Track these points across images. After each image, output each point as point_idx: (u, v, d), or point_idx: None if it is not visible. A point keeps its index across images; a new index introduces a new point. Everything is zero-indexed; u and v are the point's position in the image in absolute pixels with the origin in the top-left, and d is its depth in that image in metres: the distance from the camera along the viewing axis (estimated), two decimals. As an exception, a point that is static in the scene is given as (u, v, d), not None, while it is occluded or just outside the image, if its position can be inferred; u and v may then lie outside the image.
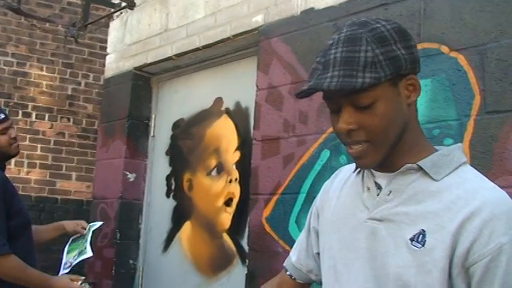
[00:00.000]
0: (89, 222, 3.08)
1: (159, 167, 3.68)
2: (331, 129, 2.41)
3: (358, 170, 1.33)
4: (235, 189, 3.07)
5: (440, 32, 2.10)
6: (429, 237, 1.13)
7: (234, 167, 3.10)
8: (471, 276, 1.09)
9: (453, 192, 1.15)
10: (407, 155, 1.22)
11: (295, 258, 1.53)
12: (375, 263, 1.20)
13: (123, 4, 3.65)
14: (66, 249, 3.04)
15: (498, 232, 1.08)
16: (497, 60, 1.92)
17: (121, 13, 3.67)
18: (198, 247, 3.30)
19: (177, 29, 3.40)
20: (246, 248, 2.86)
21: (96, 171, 4.00)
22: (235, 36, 2.99)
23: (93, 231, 2.96)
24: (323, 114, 2.46)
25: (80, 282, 2.67)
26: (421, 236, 1.14)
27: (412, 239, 1.15)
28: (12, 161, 6.24)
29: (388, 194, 1.22)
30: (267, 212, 2.64)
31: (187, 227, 3.38)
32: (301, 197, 2.49)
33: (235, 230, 3.04)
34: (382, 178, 1.25)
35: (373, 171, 1.27)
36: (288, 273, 1.54)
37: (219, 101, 3.29)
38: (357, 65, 1.13)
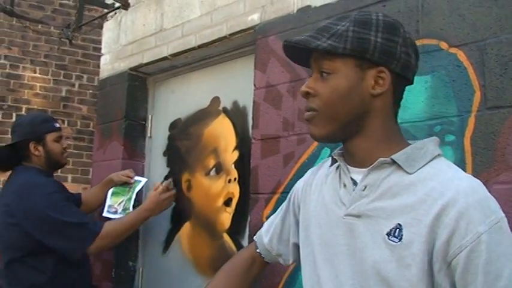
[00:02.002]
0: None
1: (156, 167, 3.67)
2: (331, 127, 2.41)
3: (337, 165, 1.35)
4: (235, 189, 3.06)
5: (439, 28, 2.09)
6: (406, 231, 1.13)
7: (233, 166, 3.09)
8: (454, 270, 1.09)
9: (427, 184, 1.15)
10: (378, 149, 1.24)
11: (267, 240, 1.60)
12: (354, 259, 1.20)
13: (118, 4, 3.62)
14: (110, 191, 3.29)
15: (475, 222, 1.08)
16: (497, 56, 1.91)
17: (115, 13, 3.65)
18: (198, 248, 3.28)
19: (173, 29, 3.38)
20: (247, 247, 2.85)
21: (94, 173, 3.98)
22: (231, 35, 2.98)
23: (137, 193, 3.22)
24: (322, 112, 2.44)
25: (161, 186, 3.00)
26: (397, 230, 1.14)
27: (388, 234, 1.15)
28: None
29: (363, 190, 1.22)
30: (267, 211, 2.63)
31: (186, 228, 3.37)
32: (302, 196, 2.48)
33: (235, 230, 3.03)
34: (357, 174, 1.26)
35: (349, 167, 1.28)
36: (257, 250, 1.63)
37: (216, 100, 3.28)
38: (327, 32, 1.22)
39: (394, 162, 1.20)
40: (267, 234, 1.60)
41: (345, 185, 1.28)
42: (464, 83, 1.98)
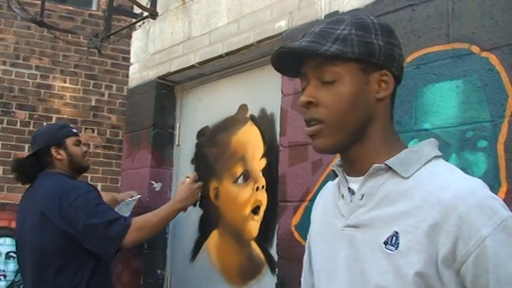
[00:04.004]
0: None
1: (184, 175, 3.66)
2: (359, 134, 2.38)
3: (337, 179, 1.30)
4: (263, 197, 3.04)
5: (470, 31, 2.05)
6: (403, 239, 1.08)
7: (261, 174, 3.07)
8: (464, 277, 1.03)
9: (423, 189, 1.10)
10: (378, 154, 1.19)
11: (302, 279, 1.52)
12: (352, 272, 1.15)
13: (146, 14, 3.64)
14: (117, 208, 3.38)
15: (477, 225, 1.02)
16: (531, 59, 1.87)
17: (143, 23, 3.68)
18: (226, 256, 3.27)
19: (200, 37, 3.39)
20: (275, 256, 2.83)
21: (122, 181, 4.00)
22: (259, 42, 2.97)
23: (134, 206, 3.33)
24: (351, 119, 2.42)
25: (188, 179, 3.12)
26: (394, 238, 1.09)
27: (386, 243, 1.10)
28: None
29: (361, 199, 1.18)
30: (296, 220, 2.60)
31: (214, 236, 3.36)
32: (331, 204, 2.45)
33: (263, 238, 3.01)
34: (354, 183, 1.21)
35: (347, 177, 1.24)
36: None
37: (243, 107, 3.27)
38: (329, 36, 1.15)
39: (389, 167, 1.16)
40: (303, 274, 1.53)
41: (343, 196, 1.23)
42: (497, 88, 1.93)
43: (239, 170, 3.22)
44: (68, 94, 6.38)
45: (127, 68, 6.58)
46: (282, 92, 2.77)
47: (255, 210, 3.07)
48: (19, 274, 5.71)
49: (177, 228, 3.63)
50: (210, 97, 3.58)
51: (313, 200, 2.50)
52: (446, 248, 1.03)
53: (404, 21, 2.27)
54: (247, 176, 3.17)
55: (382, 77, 1.18)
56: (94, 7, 6.68)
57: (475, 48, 2.03)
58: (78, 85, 6.43)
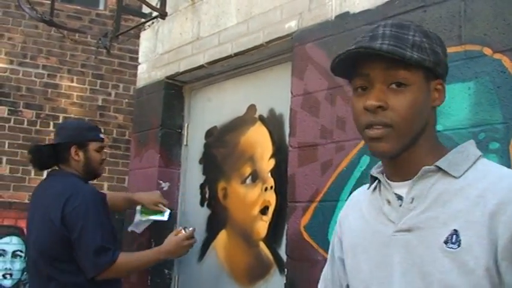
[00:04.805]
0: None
1: (192, 175, 3.67)
2: (370, 135, 2.38)
3: (374, 187, 1.31)
4: (271, 197, 3.04)
5: (482, 33, 2.05)
6: (464, 236, 1.10)
7: (269, 174, 3.07)
8: None
9: (478, 186, 1.13)
10: (426, 159, 1.21)
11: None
12: (411, 276, 1.16)
13: (155, 14, 3.65)
14: (139, 208, 3.35)
15: None
16: (544, 61, 1.86)
17: (152, 23, 3.68)
18: (234, 256, 3.27)
19: (209, 37, 3.39)
20: (284, 256, 2.83)
21: (130, 181, 4.01)
22: (268, 42, 2.97)
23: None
24: (361, 120, 2.42)
25: (182, 231, 3.00)
26: (454, 236, 1.11)
27: (446, 242, 1.11)
28: (45, 171, 6.30)
29: (411, 202, 1.19)
30: (305, 220, 2.60)
31: (222, 236, 3.36)
32: (341, 205, 2.44)
33: (272, 238, 3.01)
34: (401, 188, 1.22)
35: (390, 182, 1.25)
36: None
37: (252, 108, 3.27)
38: (406, 41, 1.16)
39: (438, 169, 1.18)
40: (321, 286, 1.52)
41: (389, 202, 1.24)
42: (509, 89, 1.93)
43: (247, 170, 3.22)
44: (74, 93, 6.39)
45: (134, 67, 6.61)
46: (292, 93, 2.77)
47: (264, 211, 3.07)
48: (25, 273, 5.74)
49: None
50: (218, 97, 3.59)
51: (323, 201, 2.52)
52: (505, 238, 1.06)
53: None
54: (255, 176, 3.17)
55: (437, 86, 1.22)
56: (101, 7, 6.69)
57: (487, 50, 2.02)
58: (85, 84, 6.43)
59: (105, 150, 3.05)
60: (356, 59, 1.19)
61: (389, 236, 1.21)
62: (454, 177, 1.16)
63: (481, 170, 1.17)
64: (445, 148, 1.25)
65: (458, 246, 1.10)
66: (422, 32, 1.19)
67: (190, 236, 3.00)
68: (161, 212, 3.28)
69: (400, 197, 1.22)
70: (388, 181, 1.25)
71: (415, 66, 1.15)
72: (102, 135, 3.03)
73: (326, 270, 1.51)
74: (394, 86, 1.17)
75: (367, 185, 1.37)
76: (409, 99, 1.16)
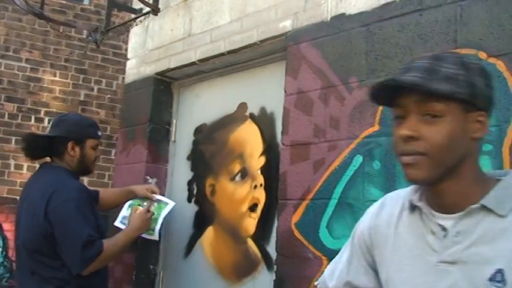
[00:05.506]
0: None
1: (180, 172, 3.68)
2: (364, 134, 2.42)
3: (413, 208, 1.33)
4: (260, 195, 3.06)
5: (477, 38, 2.10)
6: (509, 275, 1.13)
7: (259, 172, 3.10)
8: None
9: None
10: (469, 191, 1.23)
11: (333, 284, 1.52)
12: None
13: (146, 9, 3.65)
14: (128, 202, 3.30)
15: None
16: (538, 66, 1.92)
17: (145, 18, 3.68)
18: (221, 253, 3.29)
19: (201, 34, 3.40)
20: (272, 253, 2.85)
21: (116, 176, 4.00)
22: (262, 41, 3.00)
23: (164, 217, 3.23)
24: (355, 120, 2.46)
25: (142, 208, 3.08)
26: (499, 274, 1.14)
27: (491, 279, 1.15)
28: (25, 165, 6.26)
29: (456, 236, 1.22)
30: (296, 218, 2.63)
31: (209, 233, 3.37)
32: (333, 203, 2.49)
33: (260, 235, 3.04)
34: (445, 220, 1.25)
35: (434, 212, 1.27)
36: None
37: (243, 106, 3.29)
38: (436, 74, 1.18)
39: (484, 206, 1.21)
40: (332, 278, 1.54)
41: (433, 232, 1.27)
42: (504, 93, 1.98)
43: (237, 167, 3.24)
44: (57, 88, 6.33)
45: (117, 63, 6.59)
46: (285, 92, 2.79)
47: (253, 208, 3.09)
48: (2, 268, 5.68)
49: (171, 224, 3.64)
50: (208, 94, 3.60)
51: (315, 199, 2.55)
52: None
53: (412, 26, 2.32)
54: (245, 173, 3.19)
55: (479, 118, 1.22)
56: (86, 1, 6.64)
57: (482, 54, 2.07)
58: (67, 79, 6.38)
59: (99, 148, 3.03)
60: (393, 90, 1.23)
61: (432, 264, 1.25)
62: (499, 215, 1.19)
63: None
64: (489, 179, 1.26)
65: (504, 285, 1.14)
66: (460, 64, 1.20)
67: (147, 210, 3.07)
68: (165, 204, 3.25)
69: (444, 228, 1.25)
70: (433, 212, 1.28)
71: (448, 98, 1.17)
72: (100, 133, 3.01)
73: (342, 267, 1.52)
74: (428, 117, 1.20)
75: (399, 195, 1.41)
76: (442, 130, 1.18)
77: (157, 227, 3.15)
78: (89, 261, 2.65)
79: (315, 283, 1.61)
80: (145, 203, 3.18)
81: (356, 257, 1.48)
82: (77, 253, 2.63)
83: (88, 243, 2.64)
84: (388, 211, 1.41)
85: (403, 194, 1.39)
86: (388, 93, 1.24)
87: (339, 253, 1.57)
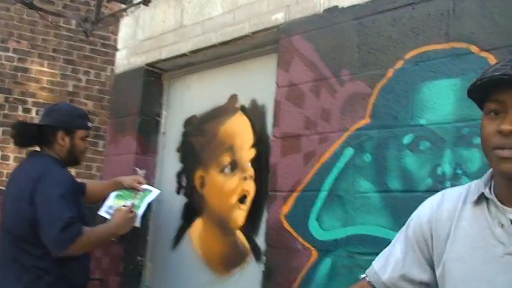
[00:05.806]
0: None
1: (169, 163, 3.67)
2: (355, 127, 2.43)
3: (479, 201, 1.35)
4: (250, 187, 3.07)
5: (470, 31, 2.11)
6: None
7: (249, 164, 3.10)
8: None
9: None
10: None
11: (387, 276, 1.51)
12: None
13: (138, 0, 3.63)
14: (115, 192, 3.24)
15: None
16: (529, 61, 1.93)
17: (135, 9, 3.67)
18: (209, 244, 3.29)
19: (193, 26, 3.40)
20: (261, 245, 2.87)
21: (105, 167, 3.99)
22: (254, 33, 3.00)
23: (148, 203, 3.20)
24: (347, 112, 2.47)
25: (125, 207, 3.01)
26: None
27: None
28: (12, 156, 6.22)
29: None
30: (286, 209, 2.64)
31: (198, 224, 3.38)
32: (323, 195, 2.50)
33: (249, 227, 3.04)
34: None
35: (503, 206, 1.29)
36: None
37: (234, 98, 3.29)
38: None
39: None
40: (384, 271, 1.52)
41: (502, 225, 1.28)
42: (495, 87, 2.00)
43: (227, 159, 3.24)
44: (45, 78, 6.28)
45: (105, 54, 6.55)
46: (277, 84, 2.80)
47: (242, 200, 3.10)
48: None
49: (160, 215, 3.64)
50: (199, 86, 3.59)
51: (305, 190, 2.56)
52: None
53: (404, 19, 2.33)
54: (234, 165, 3.19)
55: None
56: (76, -8, 6.60)
57: (474, 48, 2.09)
58: (55, 69, 6.33)
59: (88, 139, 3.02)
60: (491, 85, 1.25)
61: (497, 256, 1.27)
62: None
63: None
64: None
65: None
66: None
67: (131, 210, 3.02)
68: (149, 192, 3.23)
69: None
70: (502, 205, 1.29)
71: None
72: (90, 125, 3.02)
73: (397, 259, 1.50)
74: None
75: (458, 191, 1.42)
76: None
77: (140, 212, 3.12)
78: (68, 242, 2.62)
79: (363, 275, 1.58)
80: (130, 199, 3.15)
81: (411, 250, 1.48)
82: (56, 234, 2.60)
83: (68, 225, 2.62)
84: (450, 205, 1.42)
85: (462, 190, 1.41)
86: (485, 89, 1.27)
87: (390, 245, 1.55)
